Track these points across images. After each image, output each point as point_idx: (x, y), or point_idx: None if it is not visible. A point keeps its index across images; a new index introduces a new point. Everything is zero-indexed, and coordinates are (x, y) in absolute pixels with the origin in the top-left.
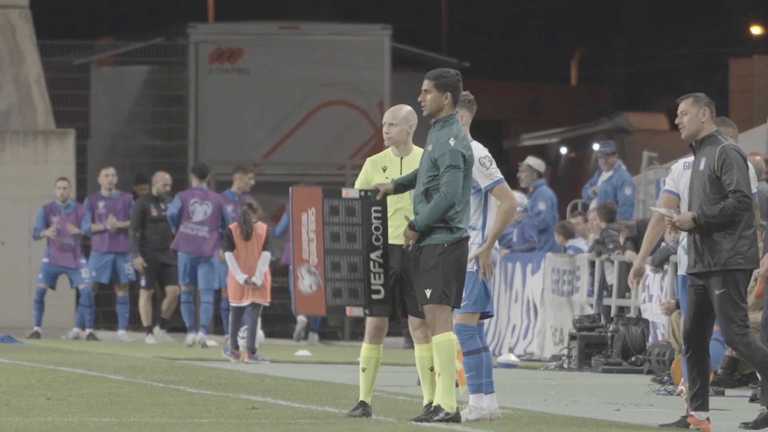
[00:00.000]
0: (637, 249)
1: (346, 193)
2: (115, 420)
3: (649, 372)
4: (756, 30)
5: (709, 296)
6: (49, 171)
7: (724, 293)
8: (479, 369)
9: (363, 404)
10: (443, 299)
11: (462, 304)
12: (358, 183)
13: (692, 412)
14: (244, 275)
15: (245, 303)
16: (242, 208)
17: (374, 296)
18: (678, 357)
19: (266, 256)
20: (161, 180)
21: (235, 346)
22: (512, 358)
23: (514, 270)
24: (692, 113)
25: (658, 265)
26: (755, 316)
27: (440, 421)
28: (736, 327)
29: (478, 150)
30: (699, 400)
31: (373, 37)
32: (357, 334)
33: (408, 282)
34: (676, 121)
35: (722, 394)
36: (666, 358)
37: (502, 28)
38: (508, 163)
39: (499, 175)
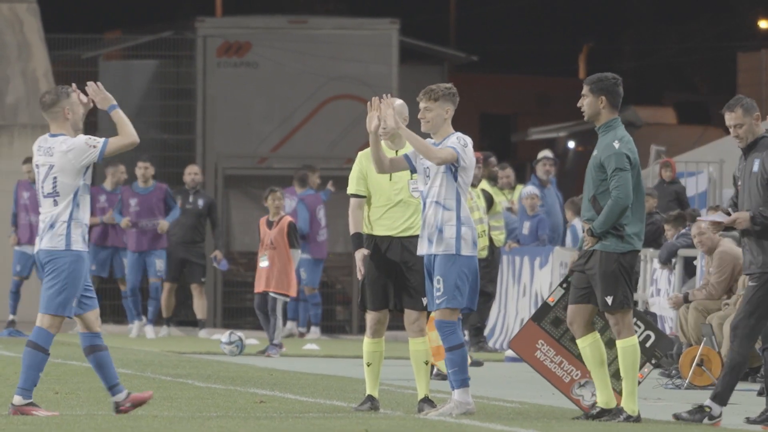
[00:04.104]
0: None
1: (552, 299)
2: (123, 414)
3: (658, 366)
4: (764, 24)
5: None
6: None
7: None
8: (462, 364)
9: (371, 398)
10: (625, 304)
11: (443, 300)
12: (353, 176)
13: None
14: None
15: None
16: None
17: (648, 343)
18: (686, 351)
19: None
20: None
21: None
22: None
23: (522, 264)
24: (747, 123)
25: (665, 261)
26: None
27: (623, 421)
28: None
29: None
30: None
31: (381, 31)
32: (365, 327)
33: (406, 275)
34: (732, 134)
35: None
36: (674, 352)
37: (509, 22)
38: (517, 157)
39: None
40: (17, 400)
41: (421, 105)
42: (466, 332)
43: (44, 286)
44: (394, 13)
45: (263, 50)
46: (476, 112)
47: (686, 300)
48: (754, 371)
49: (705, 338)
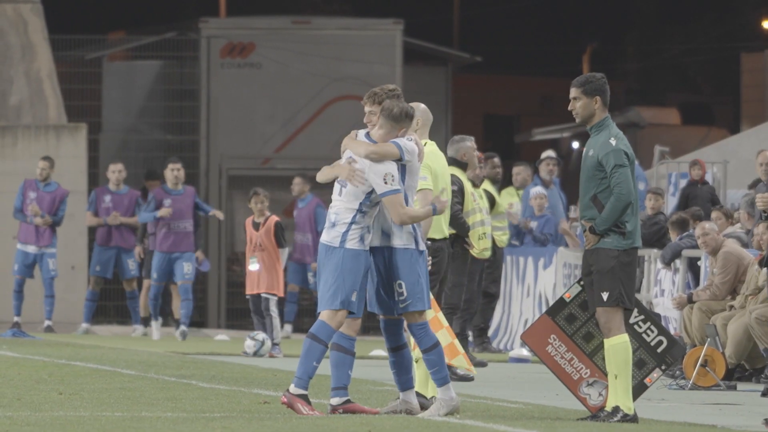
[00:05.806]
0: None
1: (568, 295)
2: (127, 414)
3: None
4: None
5: None
6: (60, 165)
7: None
8: (440, 362)
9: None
10: (620, 302)
11: (407, 304)
12: None
13: None
14: None
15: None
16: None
17: (659, 349)
18: (690, 351)
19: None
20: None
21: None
22: (524, 352)
23: (526, 264)
24: None
25: (669, 262)
26: None
27: (619, 421)
28: None
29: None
30: None
31: (385, 32)
32: (368, 328)
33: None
34: None
35: (734, 388)
36: None
37: (513, 23)
38: (520, 158)
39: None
40: (292, 388)
41: (366, 109)
42: (470, 333)
43: (321, 280)
44: (398, 13)
45: (267, 51)
46: (480, 112)
47: (690, 300)
48: (758, 372)
49: (709, 339)
